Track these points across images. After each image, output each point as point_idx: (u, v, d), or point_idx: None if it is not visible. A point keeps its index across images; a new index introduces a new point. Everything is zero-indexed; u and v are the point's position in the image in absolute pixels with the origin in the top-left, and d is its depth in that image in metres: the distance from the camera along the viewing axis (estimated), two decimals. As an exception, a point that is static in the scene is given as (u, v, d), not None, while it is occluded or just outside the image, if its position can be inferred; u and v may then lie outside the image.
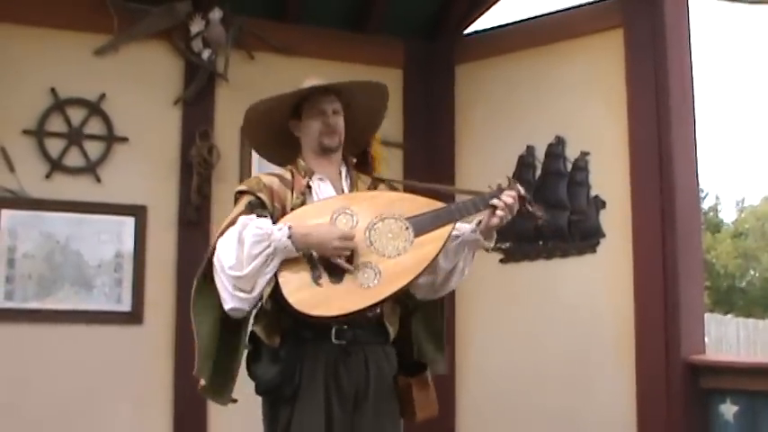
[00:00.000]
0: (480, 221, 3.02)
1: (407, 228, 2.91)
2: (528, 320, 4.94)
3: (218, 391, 3.01)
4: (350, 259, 2.86)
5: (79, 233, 4.77)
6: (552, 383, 4.80)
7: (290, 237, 2.81)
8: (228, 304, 2.84)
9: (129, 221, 4.86)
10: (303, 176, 3.10)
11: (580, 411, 4.66)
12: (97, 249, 4.80)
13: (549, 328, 4.85)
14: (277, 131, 3.21)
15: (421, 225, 2.91)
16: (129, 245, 4.85)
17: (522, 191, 3.08)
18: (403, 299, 3.08)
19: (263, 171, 4.94)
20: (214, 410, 4.80)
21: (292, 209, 3.00)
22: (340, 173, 3.18)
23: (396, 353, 3.11)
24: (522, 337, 4.93)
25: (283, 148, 3.23)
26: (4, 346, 4.57)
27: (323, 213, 2.94)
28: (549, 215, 3.26)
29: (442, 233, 2.91)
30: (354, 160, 3.27)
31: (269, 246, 2.80)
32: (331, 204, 2.99)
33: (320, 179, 3.11)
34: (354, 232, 2.88)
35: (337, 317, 2.82)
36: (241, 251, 2.82)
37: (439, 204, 3.01)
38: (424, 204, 3.00)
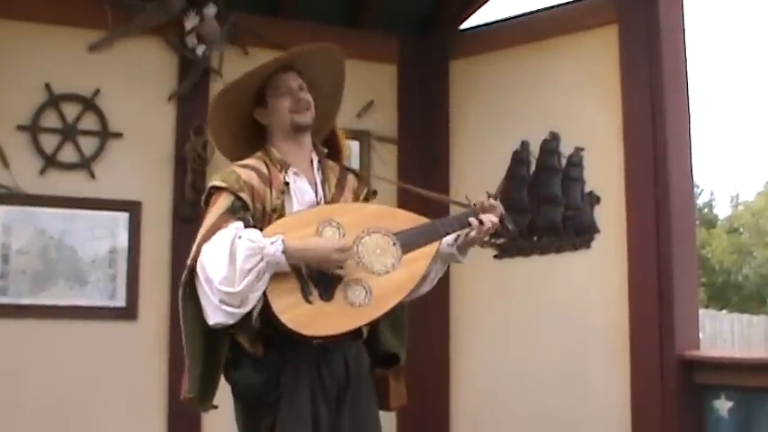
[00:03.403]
0: (458, 236, 3.05)
1: (394, 244, 2.88)
2: (522, 316, 4.94)
3: (203, 399, 2.88)
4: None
5: (73, 229, 4.77)
6: (546, 379, 4.80)
7: (284, 251, 2.70)
8: (212, 319, 2.71)
9: (123, 217, 4.86)
10: (279, 170, 2.99)
11: (574, 406, 4.67)
12: (91, 245, 4.79)
13: (544, 323, 4.85)
14: (242, 127, 3.10)
15: (408, 241, 2.88)
16: (123, 240, 4.84)
17: (502, 208, 3.12)
18: None
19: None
20: (209, 406, 4.81)
21: (273, 210, 2.90)
22: (311, 161, 3.08)
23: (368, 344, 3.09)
24: (517, 332, 4.94)
25: (248, 147, 3.10)
26: (-1, 342, 4.57)
27: (308, 224, 2.84)
28: (519, 226, 3.29)
29: (429, 250, 2.91)
30: (326, 150, 3.17)
31: (261, 260, 2.67)
32: (315, 214, 2.90)
33: (295, 173, 3.01)
34: (350, 244, 2.80)
35: (329, 337, 2.76)
36: (233, 265, 2.67)
37: (422, 220, 3.00)
38: (407, 219, 2.98)
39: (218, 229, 2.77)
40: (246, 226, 2.79)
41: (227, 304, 2.67)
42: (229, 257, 2.68)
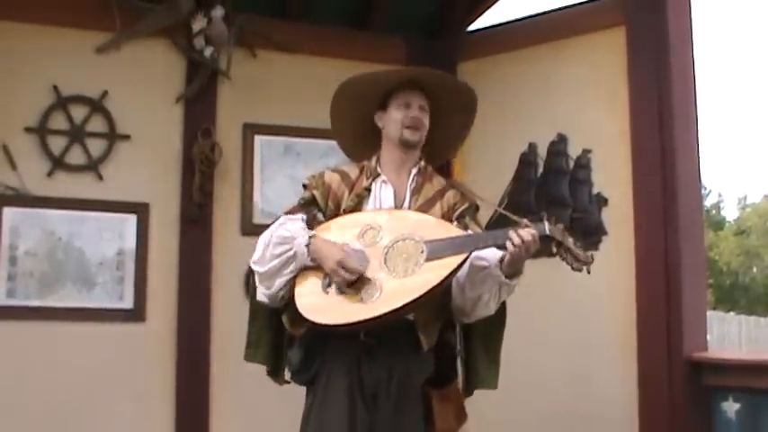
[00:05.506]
0: (504, 257, 2.97)
1: (422, 251, 2.93)
2: (530, 317, 4.92)
3: (275, 373, 3.24)
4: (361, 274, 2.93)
5: (81, 231, 4.77)
6: (553, 380, 4.80)
7: (308, 245, 2.94)
8: (258, 296, 3.09)
9: (131, 219, 4.86)
10: (367, 178, 3.16)
11: (582, 408, 4.66)
12: (99, 247, 4.80)
13: (552, 325, 4.84)
14: (362, 124, 3.29)
15: (436, 250, 2.92)
16: (131, 242, 4.85)
17: (550, 232, 2.94)
18: (448, 310, 3.12)
19: (266, 170, 5.05)
20: (216, 408, 4.80)
21: (345, 211, 3.11)
22: (410, 173, 3.21)
23: (435, 360, 3.13)
24: (524, 333, 4.90)
25: (364, 144, 3.31)
26: (6, 344, 4.57)
27: (357, 225, 3.02)
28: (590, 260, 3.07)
29: (451, 261, 2.91)
30: (423, 163, 3.29)
31: (290, 249, 2.95)
32: (367, 218, 3.06)
33: (384, 181, 3.16)
34: (360, 267, 2.90)
35: (329, 326, 2.88)
36: (267, 249, 3.00)
37: (459, 231, 3.02)
38: (446, 229, 3.02)
39: (278, 218, 3.11)
40: (310, 218, 3.10)
41: (261, 284, 3.05)
42: (266, 243, 3.03)
